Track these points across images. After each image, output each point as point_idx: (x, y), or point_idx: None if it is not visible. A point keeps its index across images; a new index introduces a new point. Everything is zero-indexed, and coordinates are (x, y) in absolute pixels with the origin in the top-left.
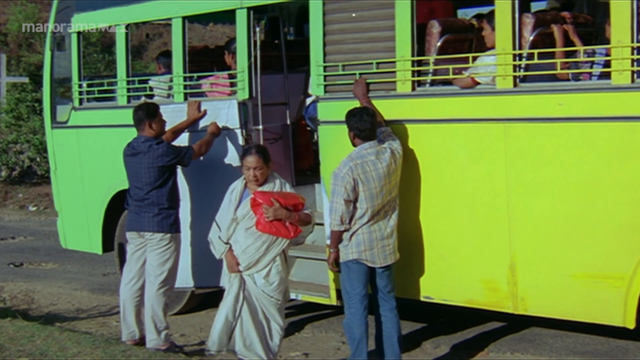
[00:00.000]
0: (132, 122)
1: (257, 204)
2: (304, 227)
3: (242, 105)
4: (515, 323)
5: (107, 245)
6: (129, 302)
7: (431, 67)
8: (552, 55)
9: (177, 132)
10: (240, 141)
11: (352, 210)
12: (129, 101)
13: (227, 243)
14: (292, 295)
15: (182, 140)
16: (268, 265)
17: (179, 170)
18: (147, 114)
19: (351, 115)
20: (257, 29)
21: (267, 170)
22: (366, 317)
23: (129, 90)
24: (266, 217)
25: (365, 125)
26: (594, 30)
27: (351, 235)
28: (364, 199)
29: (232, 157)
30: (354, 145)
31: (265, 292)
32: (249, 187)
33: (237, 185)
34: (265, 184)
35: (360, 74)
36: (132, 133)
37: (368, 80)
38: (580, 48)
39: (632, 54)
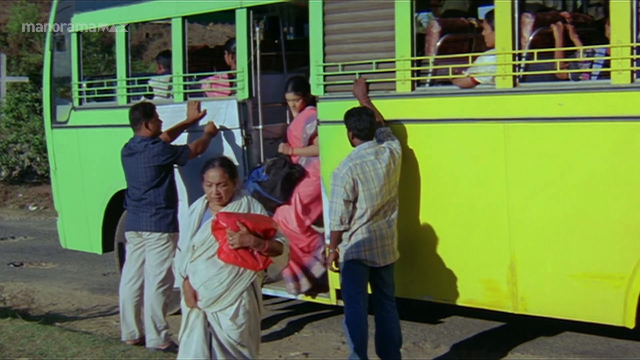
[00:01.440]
0: None
1: (220, 227)
2: (276, 258)
3: (241, 105)
4: (515, 323)
5: (107, 245)
6: (128, 302)
7: (431, 67)
8: (551, 55)
9: (176, 131)
10: (240, 141)
11: (352, 210)
12: (128, 101)
13: (183, 276)
14: (292, 295)
15: (182, 140)
16: (235, 303)
17: (177, 170)
18: (144, 114)
19: (350, 115)
20: (257, 29)
21: (232, 186)
22: (366, 317)
23: (128, 90)
24: (230, 244)
25: (363, 124)
26: (594, 29)
27: (350, 235)
28: (363, 199)
29: (231, 158)
30: (353, 145)
31: (231, 338)
32: (210, 207)
33: (197, 206)
34: (230, 203)
35: (360, 73)
36: (132, 133)
37: (368, 80)
38: (580, 48)
39: (632, 53)
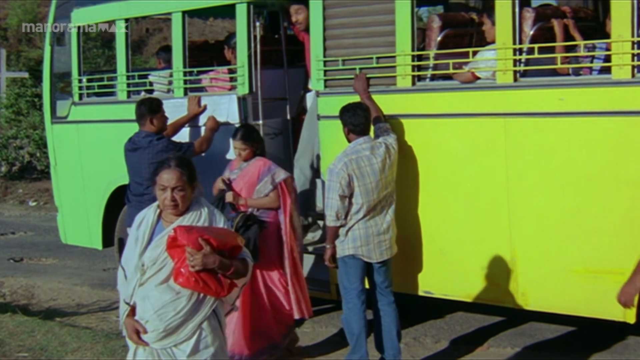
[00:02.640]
0: (132, 117)
1: (178, 245)
2: (240, 281)
3: (242, 100)
4: (515, 318)
5: (107, 240)
6: None
7: (431, 62)
8: (552, 49)
9: (177, 127)
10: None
11: (348, 205)
12: (128, 96)
13: (129, 303)
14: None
15: (183, 135)
16: (193, 336)
17: None
18: (150, 109)
19: (345, 110)
20: (257, 24)
21: (190, 192)
22: (364, 312)
23: (128, 85)
24: (191, 266)
25: (358, 120)
26: (595, 24)
27: (347, 231)
28: (359, 194)
29: (232, 153)
30: (349, 140)
31: None
32: (163, 217)
33: (146, 215)
34: (187, 213)
35: (361, 68)
36: (132, 128)
37: (368, 75)
38: (581, 42)
39: (633, 48)
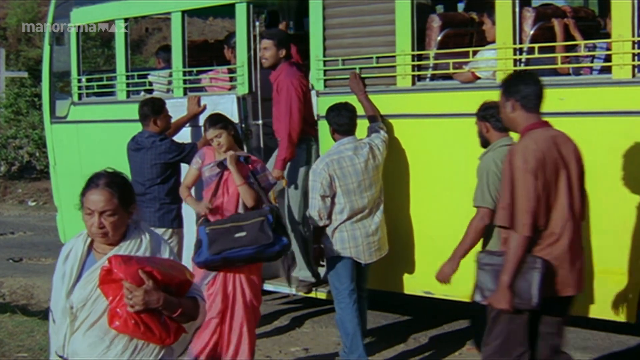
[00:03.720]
0: (132, 117)
1: (113, 279)
2: (190, 326)
3: (241, 100)
4: None
5: None
6: None
7: (431, 62)
8: (552, 49)
9: (177, 127)
10: (240, 136)
11: (330, 205)
12: (128, 96)
13: (62, 356)
14: (292, 291)
15: (183, 135)
16: None
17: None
18: (153, 110)
19: (330, 110)
20: (257, 23)
21: (125, 216)
22: (357, 311)
23: (128, 85)
24: (130, 306)
25: (343, 120)
26: (595, 24)
27: (334, 231)
28: (341, 195)
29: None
30: (334, 140)
31: None
32: (95, 248)
33: (74, 246)
34: (123, 241)
35: (361, 68)
36: (132, 128)
37: (368, 75)
38: (581, 42)
39: (633, 48)
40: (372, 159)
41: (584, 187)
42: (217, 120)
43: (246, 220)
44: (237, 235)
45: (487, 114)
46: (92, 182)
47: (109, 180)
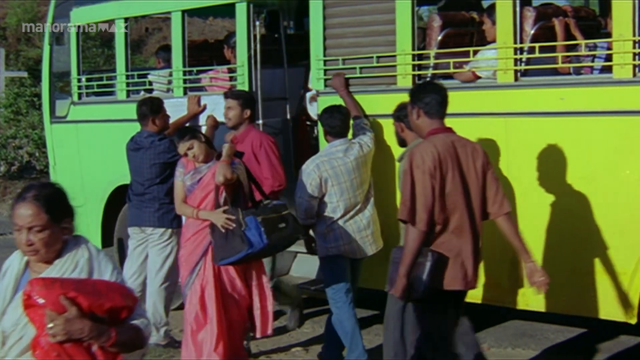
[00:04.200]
0: (132, 117)
1: (34, 304)
2: (132, 356)
3: None
4: (517, 318)
5: (107, 240)
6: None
7: (432, 61)
8: (553, 49)
9: (177, 126)
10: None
11: (322, 205)
12: (128, 96)
13: None
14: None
15: None
16: None
17: None
18: (151, 109)
19: (324, 112)
20: (257, 23)
21: (59, 232)
22: (354, 309)
23: (128, 84)
24: (50, 336)
25: (335, 122)
26: (596, 23)
27: (328, 231)
28: (334, 194)
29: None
30: (327, 141)
31: None
32: (31, 266)
33: (12, 263)
34: (58, 259)
35: (361, 68)
36: (132, 127)
37: (368, 75)
38: (582, 42)
39: (634, 47)
40: (362, 157)
41: (490, 187)
42: (184, 132)
43: (282, 211)
44: (280, 225)
45: (402, 115)
46: (21, 194)
47: (38, 192)
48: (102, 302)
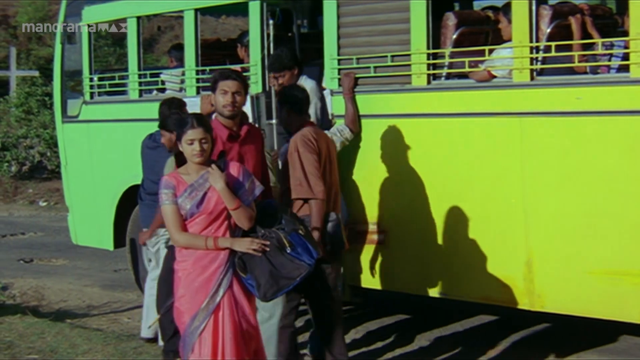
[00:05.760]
0: (144, 117)
1: None
2: None
3: (255, 99)
4: (532, 320)
5: (119, 241)
6: (152, 300)
7: (447, 60)
8: (569, 47)
9: None
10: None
11: None
12: (140, 95)
13: None
14: None
15: None
16: None
17: None
18: (170, 109)
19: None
20: (271, 22)
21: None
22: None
23: (140, 84)
24: None
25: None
26: (612, 22)
27: None
28: None
29: None
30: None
31: None
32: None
33: None
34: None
35: (375, 67)
36: (144, 127)
37: (383, 74)
38: (599, 40)
39: None
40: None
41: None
42: (204, 122)
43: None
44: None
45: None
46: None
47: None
48: None
